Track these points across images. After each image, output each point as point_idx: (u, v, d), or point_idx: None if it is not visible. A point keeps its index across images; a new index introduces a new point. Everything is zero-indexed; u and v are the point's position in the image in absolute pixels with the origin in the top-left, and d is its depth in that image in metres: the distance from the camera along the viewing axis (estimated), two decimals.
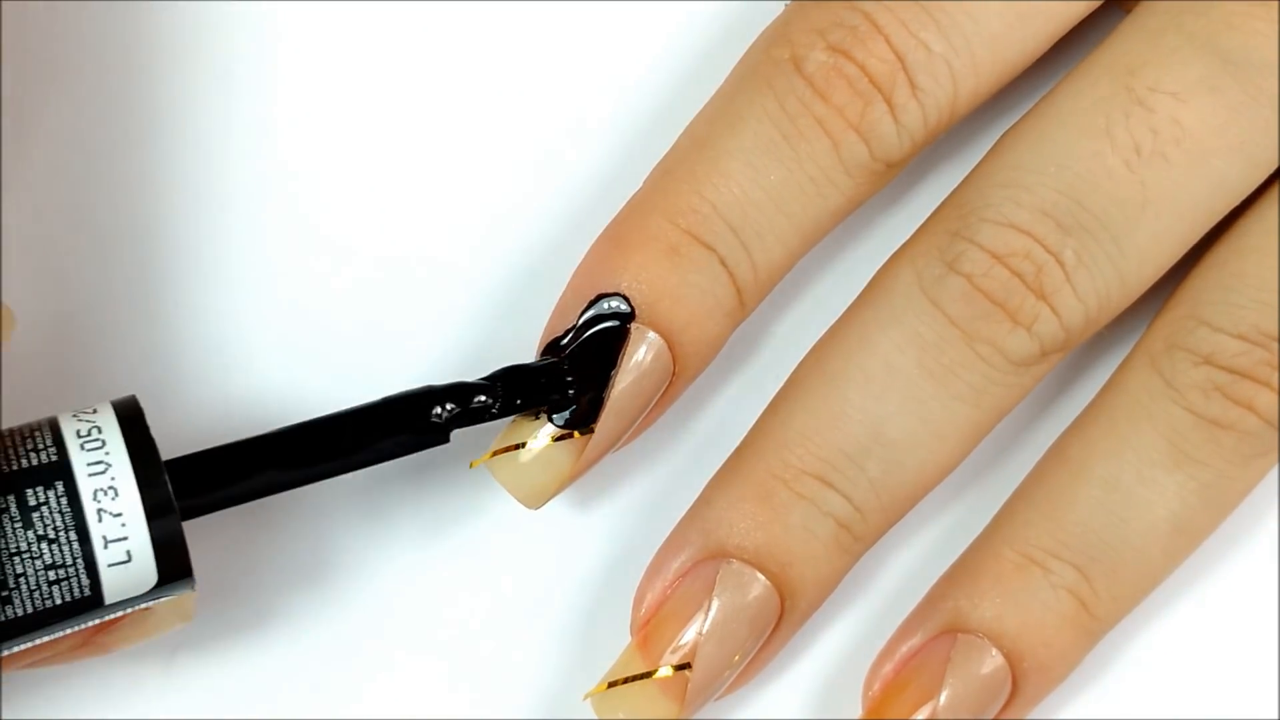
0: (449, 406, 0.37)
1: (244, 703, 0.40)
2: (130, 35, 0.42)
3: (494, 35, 0.42)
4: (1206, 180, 0.38)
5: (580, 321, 0.38)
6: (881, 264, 0.40)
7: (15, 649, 0.35)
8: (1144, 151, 0.38)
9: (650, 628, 0.39)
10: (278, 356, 0.41)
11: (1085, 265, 0.38)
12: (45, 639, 0.36)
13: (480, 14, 0.42)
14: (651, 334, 0.38)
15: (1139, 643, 0.41)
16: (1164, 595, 0.40)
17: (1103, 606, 0.39)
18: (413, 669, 0.41)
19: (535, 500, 0.39)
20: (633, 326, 0.38)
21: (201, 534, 0.39)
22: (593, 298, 0.38)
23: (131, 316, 0.41)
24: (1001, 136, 0.39)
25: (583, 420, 0.38)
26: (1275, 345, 0.38)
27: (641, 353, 0.38)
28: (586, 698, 0.39)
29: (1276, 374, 0.38)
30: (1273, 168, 0.38)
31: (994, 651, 0.38)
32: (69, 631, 0.36)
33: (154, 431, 0.36)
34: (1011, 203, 0.38)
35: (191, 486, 0.36)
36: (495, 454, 0.38)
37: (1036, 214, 0.38)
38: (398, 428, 0.37)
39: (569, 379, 0.38)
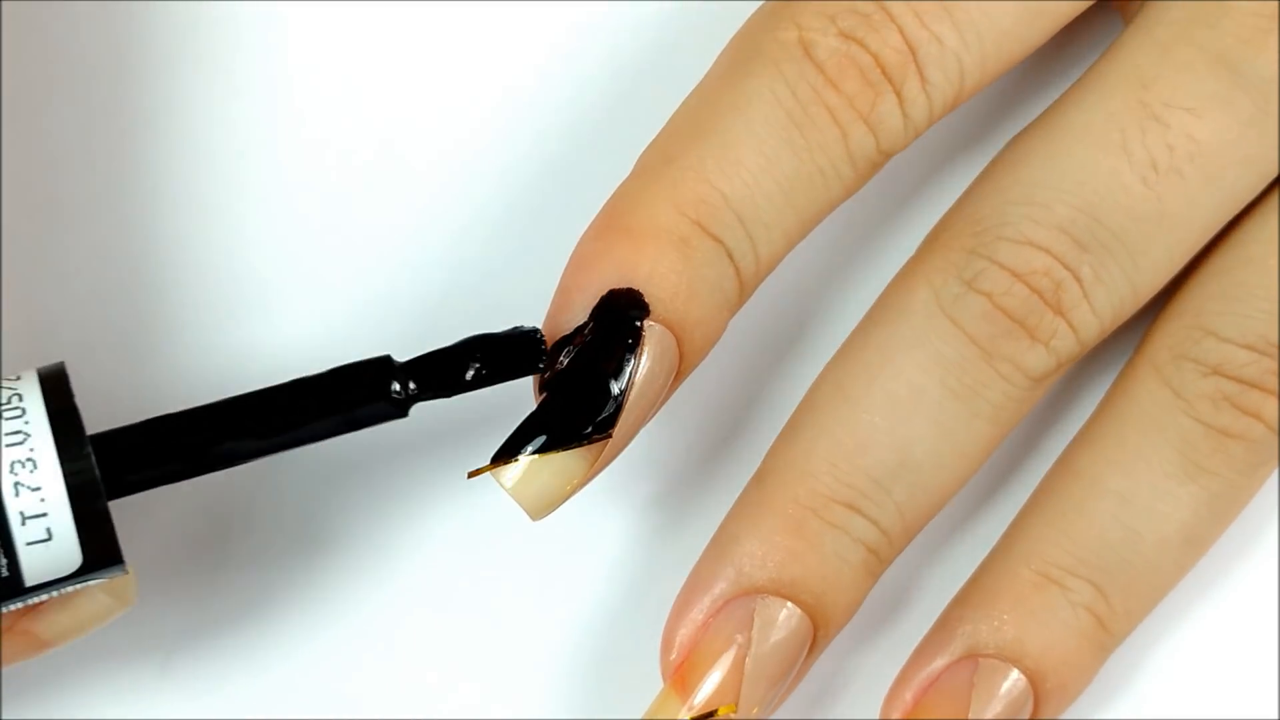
0: (411, 386, 0.35)
1: (243, 703, 0.40)
2: (131, 35, 0.41)
3: (490, 33, 0.42)
4: (1219, 194, 0.38)
5: (592, 319, 0.36)
6: (889, 278, 0.39)
7: None
8: (1160, 167, 0.38)
9: (685, 669, 0.37)
10: (277, 359, 0.41)
11: (1102, 281, 0.38)
12: None
13: (478, 13, 0.42)
14: (664, 332, 0.36)
15: (1137, 645, 0.41)
16: (1164, 603, 0.40)
17: (1117, 621, 0.39)
18: (414, 681, 0.40)
19: (543, 509, 0.36)
20: (646, 324, 0.36)
21: (205, 534, 0.39)
22: (604, 294, 0.36)
23: (130, 316, 0.40)
24: (1009, 146, 0.39)
25: (603, 425, 0.36)
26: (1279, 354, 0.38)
27: (656, 352, 0.36)
28: None
29: None
30: (1274, 177, 0.39)
31: (1016, 674, 0.38)
32: None
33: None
34: (1029, 220, 0.38)
35: (121, 461, 0.34)
36: (498, 462, 0.36)
37: (1055, 231, 0.37)
38: (347, 397, 0.35)
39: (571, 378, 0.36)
